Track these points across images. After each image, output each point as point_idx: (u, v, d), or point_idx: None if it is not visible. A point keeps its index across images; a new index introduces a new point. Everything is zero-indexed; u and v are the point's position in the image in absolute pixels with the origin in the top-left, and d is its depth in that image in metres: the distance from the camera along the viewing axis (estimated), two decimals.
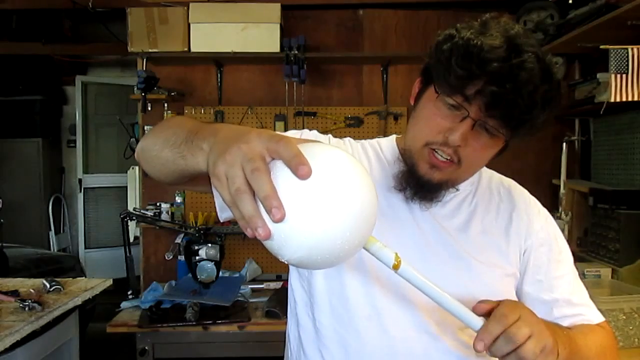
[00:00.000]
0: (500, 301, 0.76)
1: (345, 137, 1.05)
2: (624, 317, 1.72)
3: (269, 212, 0.53)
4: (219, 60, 3.13)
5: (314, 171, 0.54)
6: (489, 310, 0.75)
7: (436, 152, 0.85)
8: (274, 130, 3.11)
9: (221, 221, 0.88)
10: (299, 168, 0.53)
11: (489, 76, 0.77)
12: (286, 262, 0.60)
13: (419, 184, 0.88)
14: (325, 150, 0.59)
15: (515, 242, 0.96)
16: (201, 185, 0.83)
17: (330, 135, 1.01)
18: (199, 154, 0.65)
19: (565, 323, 0.94)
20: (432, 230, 0.93)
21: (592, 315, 0.97)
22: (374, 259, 0.78)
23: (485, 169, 1.01)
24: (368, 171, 0.61)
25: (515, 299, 0.96)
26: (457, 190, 0.95)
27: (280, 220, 0.53)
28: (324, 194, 0.55)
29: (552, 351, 0.74)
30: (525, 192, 1.03)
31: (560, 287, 0.95)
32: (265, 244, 0.57)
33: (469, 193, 0.98)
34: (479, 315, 0.74)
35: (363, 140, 1.04)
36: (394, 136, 1.03)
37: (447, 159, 0.85)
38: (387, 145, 1.01)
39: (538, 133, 0.85)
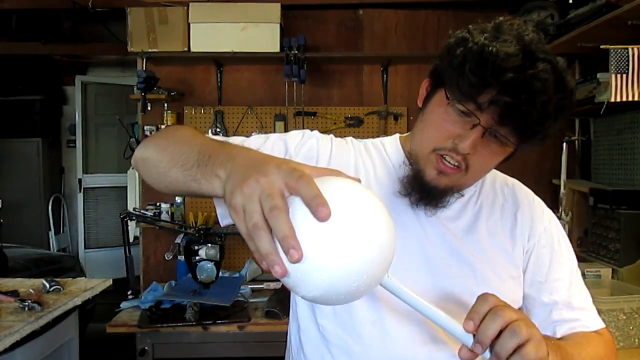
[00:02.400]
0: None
1: (345, 137, 1.03)
2: (624, 317, 1.72)
3: (286, 252, 0.52)
4: (218, 60, 3.13)
5: (334, 212, 0.53)
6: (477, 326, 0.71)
7: (444, 158, 0.84)
8: (274, 130, 3.11)
9: (222, 226, 0.88)
10: (319, 210, 0.52)
11: (503, 85, 0.76)
12: (300, 298, 0.59)
13: (425, 189, 0.87)
14: (345, 188, 0.58)
15: (519, 243, 0.95)
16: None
17: (332, 136, 1.00)
18: (215, 180, 0.64)
19: (563, 328, 0.93)
20: (437, 233, 0.92)
21: (590, 320, 0.95)
22: None
23: None
24: (386, 207, 0.60)
25: (521, 301, 0.96)
26: (462, 195, 0.94)
27: (297, 261, 0.53)
28: (343, 237, 0.55)
29: (545, 357, 0.72)
30: (529, 192, 1.02)
31: (560, 289, 0.94)
32: (281, 279, 0.57)
33: (473, 194, 0.97)
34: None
35: (366, 140, 1.02)
36: (397, 136, 1.02)
37: (454, 165, 0.84)
38: (391, 146, 0.99)
39: (548, 141, 0.84)
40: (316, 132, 0.99)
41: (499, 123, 0.79)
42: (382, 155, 0.98)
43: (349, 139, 1.02)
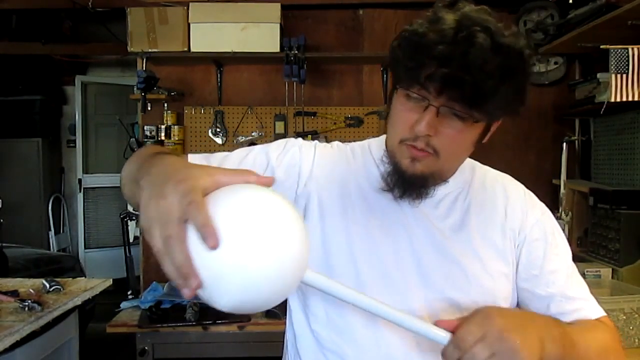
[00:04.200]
0: (466, 316, 0.75)
1: (344, 137, 1.03)
2: (624, 317, 1.72)
3: (184, 280, 0.54)
4: (218, 60, 3.13)
5: (227, 235, 0.54)
6: (455, 326, 0.74)
7: (413, 146, 0.85)
8: (274, 130, 3.11)
9: None
10: (207, 240, 0.54)
11: (437, 60, 0.77)
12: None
13: (404, 179, 0.87)
14: (243, 202, 0.57)
15: (509, 237, 0.94)
16: None
17: (316, 142, 1.00)
18: (141, 194, 0.66)
19: (564, 320, 0.91)
20: (425, 232, 0.91)
21: (590, 309, 0.94)
22: (368, 266, 0.76)
23: (479, 165, 1.00)
24: (297, 213, 0.60)
25: (515, 298, 0.95)
26: (447, 182, 0.93)
27: (197, 288, 0.54)
28: (237, 261, 0.55)
29: None
30: (520, 186, 1.00)
31: (556, 281, 0.93)
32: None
33: (462, 190, 0.96)
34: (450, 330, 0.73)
35: (353, 143, 1.03)
36: (384, 136, 1.01)
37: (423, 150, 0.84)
38: (377, 145, 1.00)
39: (515, 108, 0.83)
40: (299, 139, 0.99)
41: (446, 97, 0.79)
42: (366, 155, 0.99)
43: (335, 143, 1.02)
